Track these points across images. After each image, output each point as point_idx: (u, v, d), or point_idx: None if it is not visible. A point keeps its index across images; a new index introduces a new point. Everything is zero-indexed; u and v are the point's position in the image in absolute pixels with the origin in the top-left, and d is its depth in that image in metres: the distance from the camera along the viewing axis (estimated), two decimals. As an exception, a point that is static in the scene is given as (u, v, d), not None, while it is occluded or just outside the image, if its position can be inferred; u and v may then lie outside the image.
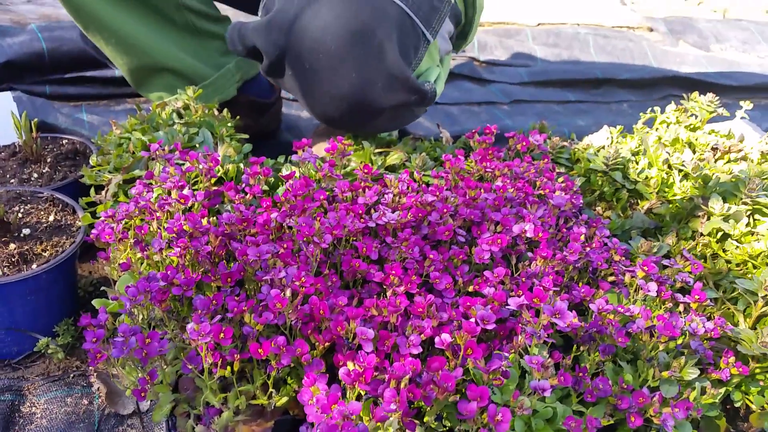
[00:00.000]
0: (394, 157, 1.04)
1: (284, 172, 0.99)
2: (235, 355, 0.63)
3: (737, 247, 0.93)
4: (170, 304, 0.70)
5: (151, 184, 0.86)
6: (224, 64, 1.33)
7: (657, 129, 1.30)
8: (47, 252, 0.88)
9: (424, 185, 1.00)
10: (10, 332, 0.87)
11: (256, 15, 1.16)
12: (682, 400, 0.68)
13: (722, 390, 0.74)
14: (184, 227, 0.75)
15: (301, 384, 0.66)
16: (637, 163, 1.09)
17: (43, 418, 0.80)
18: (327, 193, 0.90)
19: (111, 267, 0.79)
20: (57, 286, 0.89)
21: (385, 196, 0.88)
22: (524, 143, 1.04)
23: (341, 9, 0.93)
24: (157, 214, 0.79)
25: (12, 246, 0.88)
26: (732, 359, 0.74)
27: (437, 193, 0.86)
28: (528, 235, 0.82)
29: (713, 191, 1.01)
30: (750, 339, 0.78)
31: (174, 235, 0.74)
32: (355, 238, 0.80)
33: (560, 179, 1.00)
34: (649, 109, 1.33)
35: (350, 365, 0.61)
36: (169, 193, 0.80)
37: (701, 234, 0.96)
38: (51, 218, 0.94)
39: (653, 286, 0.79)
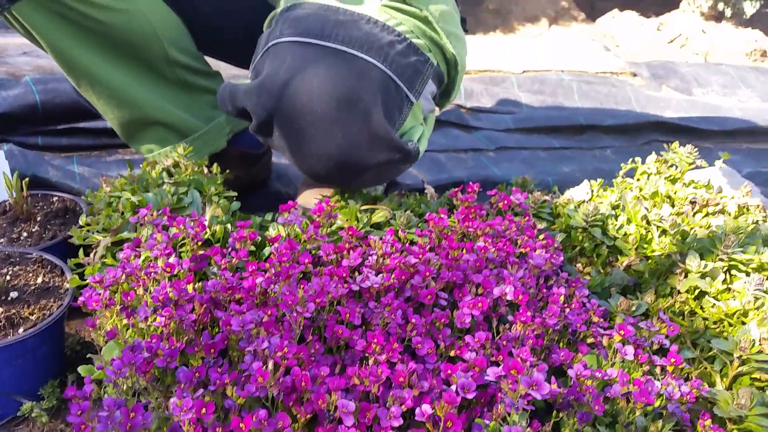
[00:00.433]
0: (380, 215, 1.06)
1: (271, 231, 1.01)
2: (217, 429, 0.64)
3: (713, 305, 0.95)
4: (155, 373, 0.71)
5: (138, 247, 0.87)
6: (215, 117, 1.36)
7: (638, 180, 1.33)
8: (34, 315, 0.89)
9: (408, 243, 1.02)
10: (-4, 396, 0.87)
11: (247, 68, 1.20)
12: (659, 468, 0.69)
13: (700, 453, 0.75)
14: (170, 295, 0.76)
15: (283, 455, 0.66)
16: (616, 218, 1.12)
17: (26, 485, 0.80)
18: (312, 253, 0.92)
19: (97, 333, 0.80)
20: (44, 348, 0.90)
21: (369, 258, 0.90)
22: (506, 201, 1.07)
23: (328, 75, 0.96)
24: (144, 280, 0.80)
25: None
26: (708, 422, 0.76)
27: (420, 256, 0.88)
28: (508, 297, 0.84)
29: (690, 247, 1.04)
30: (726, 401, 0.79)
31: (159, 303, 0.76)
32: (338, 303, 0.82)
33: (541, 236, 1.02)
34: (630, 159, 1.37)
35: (331, 439, 0.62)
36: (156, 260, 0.82)
37: (679, 291, 0.98)
38: (39, 280, 0.96)
39: (630, 350, 0.80)
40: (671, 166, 1.33)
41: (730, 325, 0.92)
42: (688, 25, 3.20)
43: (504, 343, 0.79)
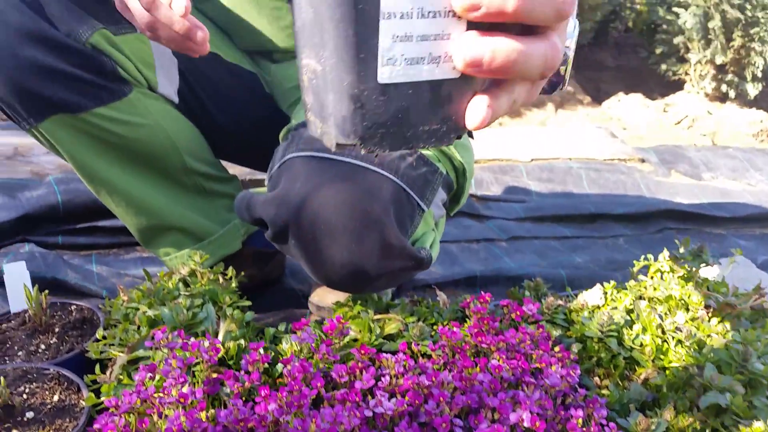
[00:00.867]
0: (392, 327, 1.07)
1: (284, 345, 1.02)
2: None
3: (736, 422, 0.93)
4: None
5: (154, 371, 0.88)
6: (230, 220, 1.39)
7: (651, 278, 1.33)
8: (48, 438, 0.89)
9: (420, 356, 1.02)
10: None
11: (261, 170, 1.23)
12: None
13: None
14: (183, 426, 0.76)
15: None
16: (631, 327, 1.11)
17: None
18: (324, 373, 0.92)
19: (110, 463, 0.80)
20: (56, 472, 0.89)
21: (383, 378, 0.90)
22: (518, 312, 1.07)
23: (343, 189, 1.00)
24: (158, 407, 0.80)
25: (14, 433, 0.89)
26: None
27: (433, 378, 0.88)
28: (525, 425, 0.83)
29: (707, 359, 1.02)
30: None
31: (173, 434, 0.76)
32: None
33: (556, 348, 1.02)
34: (643, 257, 1.37)
35: None
36: (170, 387, 0.82)
37: (698, 409, 0.96)
38: (56, 398, 0.96)
39: (651, 481, 0.78)
40: (684, 263, 1.34)
41: (755, 447, 0.90)
42: (694, 106, 3.26)
43: (521, 473, 0.78)
